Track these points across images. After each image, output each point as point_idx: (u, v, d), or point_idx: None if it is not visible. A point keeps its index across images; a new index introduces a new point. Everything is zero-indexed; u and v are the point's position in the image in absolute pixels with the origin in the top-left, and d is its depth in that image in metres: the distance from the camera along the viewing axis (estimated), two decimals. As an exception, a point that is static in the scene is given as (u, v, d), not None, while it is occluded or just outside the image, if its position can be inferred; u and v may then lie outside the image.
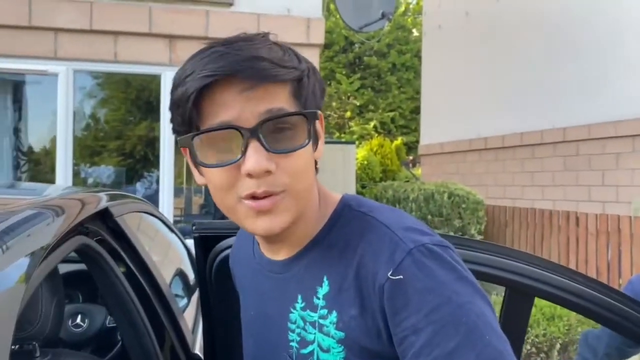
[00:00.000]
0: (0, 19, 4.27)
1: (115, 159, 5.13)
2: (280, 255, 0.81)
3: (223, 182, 0.70)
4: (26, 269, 0.79)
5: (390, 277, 0.68)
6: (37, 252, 0.84)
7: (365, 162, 13.93)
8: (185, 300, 2.04)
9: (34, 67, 4.40)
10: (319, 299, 0.75)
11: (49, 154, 4.73)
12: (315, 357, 0.75)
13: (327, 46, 16.26)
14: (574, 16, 6.86)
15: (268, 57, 0.68)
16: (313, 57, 4.69)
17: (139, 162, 5.12)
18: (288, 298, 0.79)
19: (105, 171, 5.01)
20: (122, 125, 5.29)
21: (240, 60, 0.66)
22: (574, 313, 3.63)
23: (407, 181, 10.26)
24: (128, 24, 4.49)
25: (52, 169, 4.45)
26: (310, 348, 0.75)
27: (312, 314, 0.75)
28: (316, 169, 0.77)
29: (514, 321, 0.90)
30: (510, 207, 7.28)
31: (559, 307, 3.62)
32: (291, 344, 0.78)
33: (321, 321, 0.74)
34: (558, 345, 3.69)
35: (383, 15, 5.03)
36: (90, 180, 4.89)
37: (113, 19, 4.46)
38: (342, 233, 0.76)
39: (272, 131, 0.68)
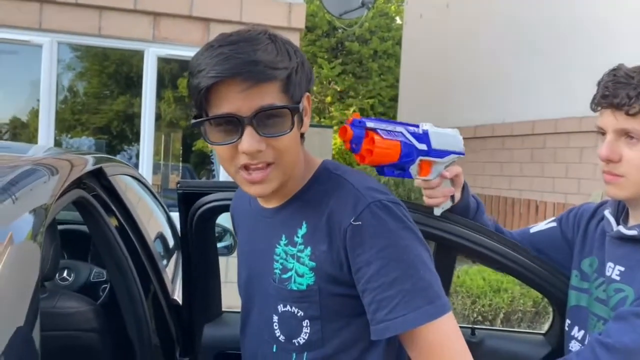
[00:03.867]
0: (-15, -12, 4.32)
1: (96, 132, 5.24)
2: (271, 203, 1.03)
3: (225, 155, 0.91)
4: (43, 214, 0.94)
5: (352, 223, 0.89)
6: (52, 198, 1.01)
7: (343, 147, 14.10)
8: (164, 261, 2.23)
9: (18, 37, 4.47)
10: (298, 237, 0.97)
11: (31, 124, 4.81)
12: (292, 280, 0.97)
13: (309, 29, 16.31)
14: (544, 13, 7.11)
15: (263, 61, 0.85)
16: (293, 41, 4.79)
17: (120, 137, 5.24)
18: (275, 236, 1.01)
19: (85, 142, 5.12)
20: (104, 99, 5.39)
21: (241, 64, 0.84)
22: (518, 287, 3.96)
23: (382, 167, 10.47)
24: (113, -1, 4.57)
25: (34, 139, 4.54)
26: (289, 274, 0.97)
27: (292, 248, 0.98)
28: (303, 138, 0.99)
29: (442, 269, 1.11)
30: (478, 194, 7.56)
31: (505, 280, 3.93)
32: (275, 270, 1.00)
33: (299, 254, 0.96)
34: (502, 315, 4.08)
35: (363, 4, 5.19)
36: (71, 151, 4.99)
37: (98, -7, 4.53)
38: (320, 189, 0.97)
39: (263, 119, 0.87)
